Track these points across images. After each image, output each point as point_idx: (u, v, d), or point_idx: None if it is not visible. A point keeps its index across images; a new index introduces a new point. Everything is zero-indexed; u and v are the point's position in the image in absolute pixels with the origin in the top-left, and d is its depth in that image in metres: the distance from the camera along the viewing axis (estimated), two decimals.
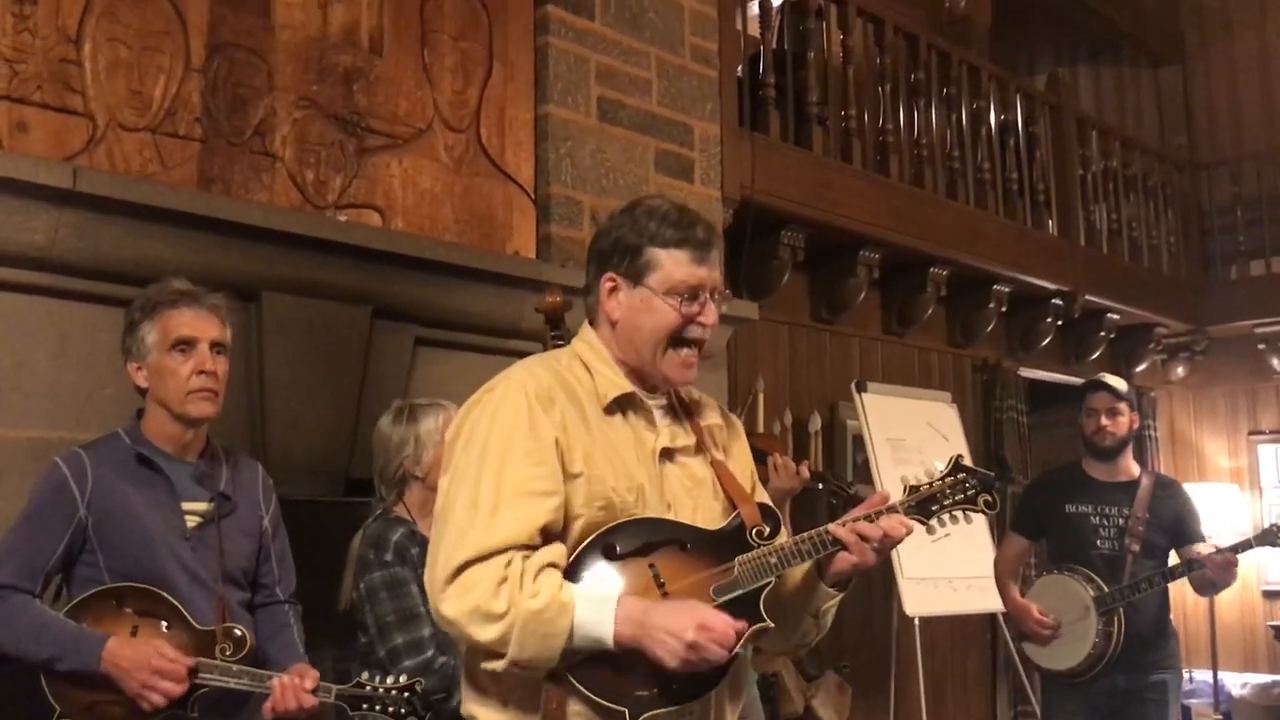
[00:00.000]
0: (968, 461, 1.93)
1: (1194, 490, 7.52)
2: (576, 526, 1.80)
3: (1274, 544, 3.88)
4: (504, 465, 1.75)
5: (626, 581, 1.77)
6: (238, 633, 2.32)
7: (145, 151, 3.12)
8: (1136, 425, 3.91)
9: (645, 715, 1.72)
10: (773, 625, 1.80)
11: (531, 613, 1.67)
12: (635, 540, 1.79)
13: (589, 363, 1.91)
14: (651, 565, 1.78)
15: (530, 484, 1.75)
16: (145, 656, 2.18)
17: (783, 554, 1.81)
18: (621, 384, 1.89)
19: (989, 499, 1.89)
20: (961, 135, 6.39)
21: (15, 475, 2.62)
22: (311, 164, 3.46)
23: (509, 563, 1.70)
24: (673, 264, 1.86)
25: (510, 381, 1.84)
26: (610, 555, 1.78)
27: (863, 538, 1.81)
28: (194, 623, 2.29)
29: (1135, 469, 3.89)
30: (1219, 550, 3.70)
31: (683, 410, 1.99)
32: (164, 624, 2.27)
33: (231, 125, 3.30)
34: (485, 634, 1.69)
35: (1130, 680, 3.69)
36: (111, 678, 2.18)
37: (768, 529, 1.85)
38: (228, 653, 2.29)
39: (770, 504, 1.93)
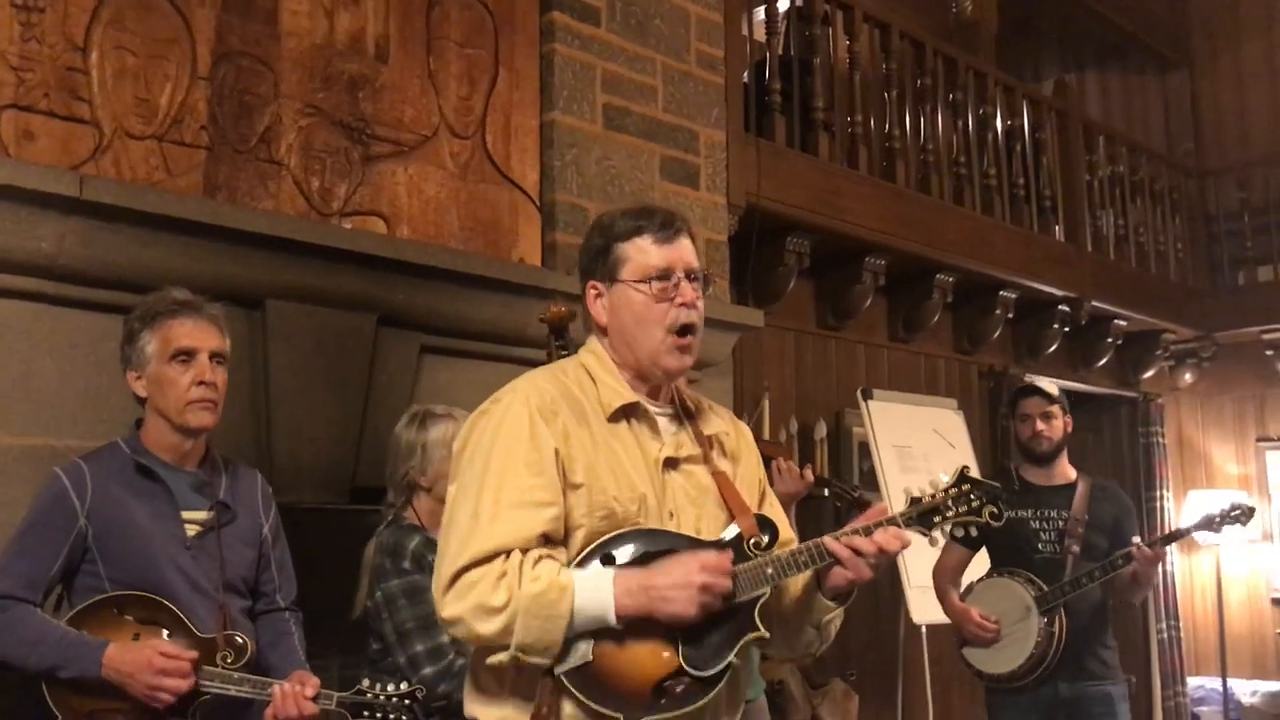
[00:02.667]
0: (974, 473, 1.92)
1: (1202, 497, 7.55)
2: (579, 536, 1.83)
3: (1213, 529, 3.83)
4: (504, 476, 1.80)
5: None
6: (239, 640, 2.33)
7: (151, 159, 3.12)
8: (1070, 429, 3.88)
9: None
10: (767, 635, 1.82)
11: (532, 596, 1.72)
12: (633, 550, 1.82)
13: (594, 373, 1.95)
14: None
15: (530, 494, 1.80)
16: (146, 658, 2.19)
17: (778, 565, 1.83)
18: (625, 394, 1.92)
19: (995, 511, 1.88)
20: (968, 141, 6.38)
21: (21, 483, 2.62)
22: (317, 171, 3.46)
23: (507, 558, 1.75)
24: (636, 252, 1.93)
25: (514, 394, 1.89)
26: (608, 564, 1.81)
27: (857, 552, 1.81)
28: (195, 630, 2.30)
29: (1072, 472, 3.87)
30: (1150, 541, 3.66)
31: (688, 418, 2.01)
32: (165, 632, 2.28)
33: (237, 133, 3.30)
34: (488, 628, 1.74)
35: (1073, 689, 3.64)
36: (115, 684, 2.19)
37: (765, 539, 1.86)
38: (229, 660, 2.30)
39: (769, 515, 1.94)
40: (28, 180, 2.69)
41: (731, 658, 1.78)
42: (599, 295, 1.97)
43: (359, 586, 2.86)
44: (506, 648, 1.74)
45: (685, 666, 1.76)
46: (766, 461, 3.35)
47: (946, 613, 3.92)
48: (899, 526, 1.84)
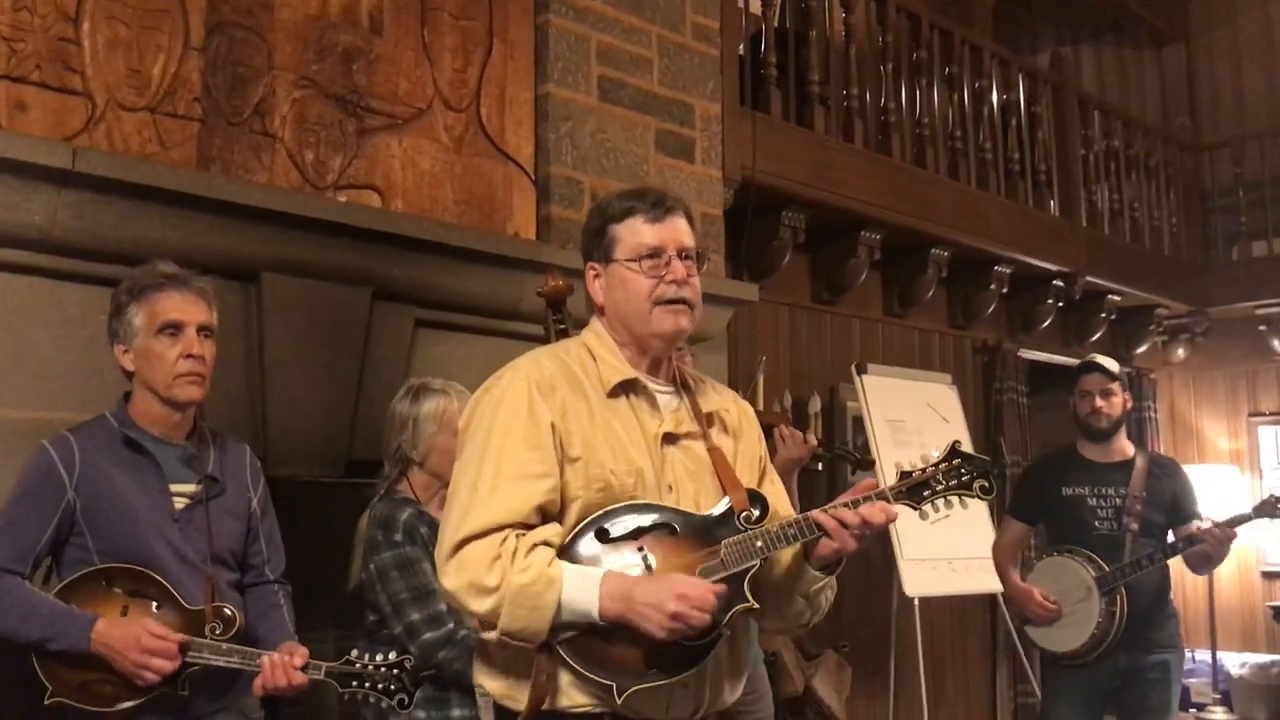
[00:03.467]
0: (966, 447, 1.96)
1: (1193, 472, 7.57)
2: (575, 508, 1.89)
3: (1273, 515, 3.88)
4: (503, 450, 1.87)
5: (616, 564, 1.84)
6: (227, 612, 2.34)
7: (144, 131, 3.10)
8: (1130, 406, 3.92)
9: (632, 688, 1.79)
10: (757, 606, 1.86)
11: (519, 587, 1.77)
12: (627, 524, 1.87)
13: (595, 351, 2.01)
14: (641, 548, 1.86)
15: (526, 467, 1.86)
16: (135, 636, 2.20)
17: (768, 538, 1.88)
18: (624, 370, 1.98)
19: (985, 484, 1.92)
20: (963, 115, 6.37)
21: (16, 456, 2.61)
22: (311, 144, 3.45)
23: (504, 540, 1.81)
24: (628, 232, 1.98)
25: (515, 371, 1.96)
26: (602, 538, 1.86)
27: (843, 524, 1.86)
28: (184, 603, 2.31)
29: (1130, 449, 3.90)
30: (1216, 524, 3.70)
31: (688, 395, 2.05)
32: (154, 604, 2.29)
33: (231, 105, 3.28)
34: (479, 605, 1.80)
35: (1132, 660, 3.70)
36: (103, 657, 2.20)
37: (755, 513, 1.90)
38: (217, 632, 2.31)
39: (763, 492, 1.97)
40: (20, 152, 2.68)
41: (721, 628, 1.82)
42: (597, 275, 2.03)
43: (353, 559, 2.88)
44: (494, 627, 1.81)
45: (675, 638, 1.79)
46: (769, 430, 3.39)
47: (1008, 591, 3.97)
48: (888, 501, 1.89)
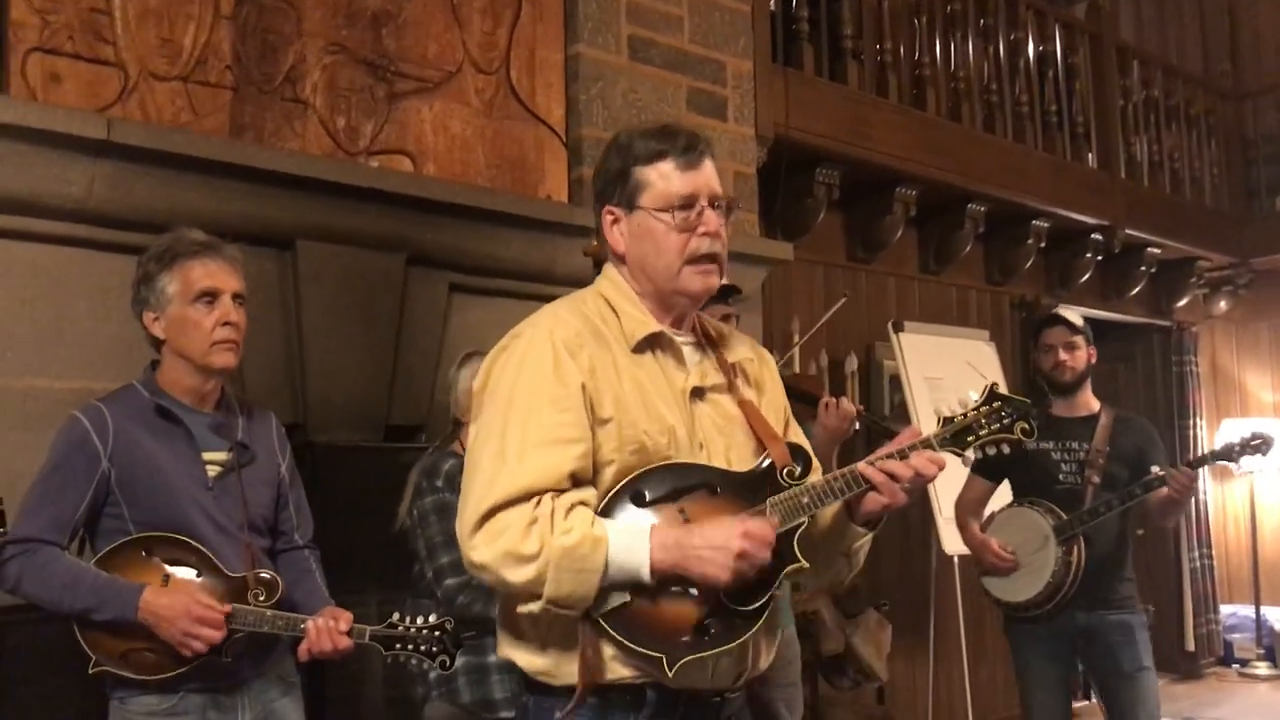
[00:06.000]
0: (1003, 390, 1.87)
1: (1236, 426, 7.49)
2: (610, 472, 1.77)
3: (1230, 459, 3.80)
4: (530, 414, 1.73)
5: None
6: (269, 578, 2.33)
7: (177, 101, 3.11)
8: (1094, 359, 3.85)
9: (684, 659, 1.70)
10: (807, 565, 1.77)
11: (564, 549, 1.65)
12: (664, 486, 1.76)
13: (614, 303, 1.87)
14: (681, 510, 1.76)
15: (557, 431, 1.73)
16: (184, 605, 2.20)
17: (814, 493, 1.77)
18: (648, 323, 1.85)
19: (1026, 427, 1.83)
20: (999, 67, 6.27)
21: (57, 427, 2.65)
22: (342, 110, 3.44)
23: (538, 503, 1.69)
24: (658, 178, 1.82)
25: (536, 328, 1.81)
26: (639, 502, 1.75)
27: (893, 477, 1.76)
28: (225, 570, 2.31)
29: (1095, 404, 3.84)
30: (1187, 464, 3.64)
31: (711, 346, 1.95)
32: (194, 572, 2.28)
33: (262, 73, 3.28)
34: (519, 575, 1.67)
35: (1090, 619, 3.64)
36: (149, 626, 2.20)
37: (798, 469, 1.80)
38: (261, 599, 2.30)
39: (800, 443, 1.89)
40: (56, 123, 2.69)
41: (774, 589, 1.74)
42: (615, 221, 1.87)
43: (401, 501, 2.99)
44: (537, 597, 1.69)
45: (727, 602, 1.72)
46: (813, 400, 3.34)
47: (966, 543, 3.93)
48: (933, 449, 1.79)
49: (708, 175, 1.84)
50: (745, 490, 1.79)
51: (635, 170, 1.83)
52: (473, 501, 1.73)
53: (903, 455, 1.78)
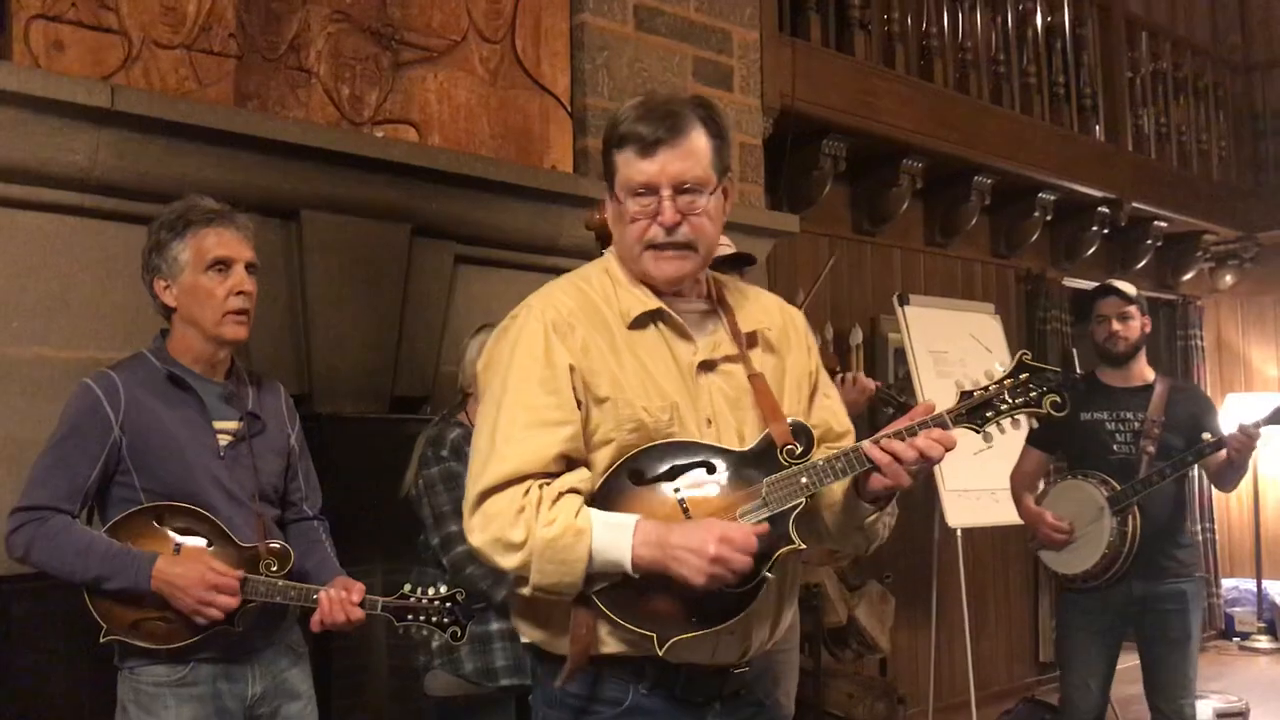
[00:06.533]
0: (1032, 360, 1.78)
1: (1241, 400, 7.48)
2: (609, 451, 1.76)
3: None
4: (519, 396, 1.75)
5: (651, 507, 1.73)
6: (279, 548, 2.32)
7: (181, 69, 3.09)
8: (1148, 329, 3.85)
9: (674, 639, 1.70)
10: (803, 547, 1.73)
11: (547, 540, 1.67)
12: (661, 464, 1.75)
13: (616, 277, 1.86)
14: (677, 490, 1.74)
15: (544, 413, 1.73)
16: (199, 574, 2.20)
17: (812, 473, 1.73)
18: (646, 300, 1.83)
19: (1057, 400, 1.73)
20: (1007, 39, 6.22)
21: (64, 396, 2.65)
22: (347, 79, 3.42)
23: (527, 491, 1.70)
24: (623, 163, 1.80)
25: (530, 310, 1.82)
26: (636, 480, 1.74)
27: (896, 458, 1.70)
28: (237, 540, 2.30)
29: (1150, 374, 3.84)
30: (1241, 428, 3.63)
31: (725, 313, 1.90)
32: (206, 542, 2.27)
33: (266, 41, 3.25)
34: (508, 562, 1.71)
35: (1147, 587, 3.65)
36: (163, 595, 2.20)
37: (799, 447, 1.75)
38: (273, 569, 2.30)
39: (804, 421, 1.82)
40: (60, 92, 2.67)
41: (766, 572, 1.71)
42: (606, 200, 1.88)
43: (409, 469, 3.03)
44: (527, 582, 1.72)
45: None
46: (831, 373, 3.34)
47: (1022, 516, 3.93)
48: (946, 426, 1.72)
49: (670, 161, 1.76)
50: (744, 469, 1.76)
51: (612, 154, 1.82)
52: (470, 482, 1.77)
53: (911, 433, 1.71)
